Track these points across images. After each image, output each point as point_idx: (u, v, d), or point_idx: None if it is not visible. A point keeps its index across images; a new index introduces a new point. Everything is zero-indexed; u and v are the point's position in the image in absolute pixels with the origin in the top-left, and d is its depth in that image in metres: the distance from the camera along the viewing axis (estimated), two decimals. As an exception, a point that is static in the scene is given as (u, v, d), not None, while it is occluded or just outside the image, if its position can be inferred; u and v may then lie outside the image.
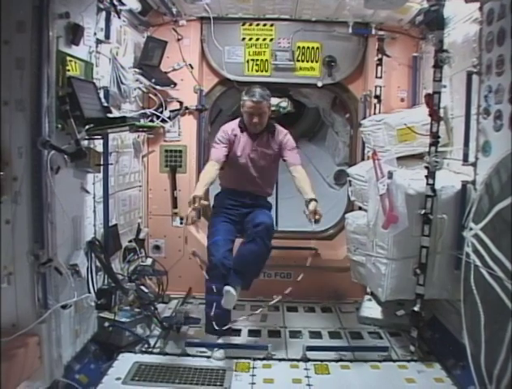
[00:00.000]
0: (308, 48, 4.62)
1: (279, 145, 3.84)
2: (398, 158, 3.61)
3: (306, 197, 3.51)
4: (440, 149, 3.40)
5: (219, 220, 3.80)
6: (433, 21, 3.38)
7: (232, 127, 3.85)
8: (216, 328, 3.48)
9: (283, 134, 3.87)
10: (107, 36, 3.50)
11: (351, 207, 4.75)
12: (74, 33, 2.98)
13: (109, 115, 3.31)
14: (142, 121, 4.08)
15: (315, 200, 3.46)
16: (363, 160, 4.52)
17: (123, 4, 3.70)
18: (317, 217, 3.39)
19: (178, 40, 4.51)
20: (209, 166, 3.70)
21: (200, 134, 4.72)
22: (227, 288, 3.39)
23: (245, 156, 3.80)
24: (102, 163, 3.32)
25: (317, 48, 4.62)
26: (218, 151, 3.74)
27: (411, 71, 4.51)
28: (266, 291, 4.48)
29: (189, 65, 4.53)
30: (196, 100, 4.63)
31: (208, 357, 3.45)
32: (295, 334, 3.95)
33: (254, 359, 3.42)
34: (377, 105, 4.46)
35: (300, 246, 4.72)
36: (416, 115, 3.85)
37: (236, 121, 3.90)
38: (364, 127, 4.20)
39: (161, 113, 4.40)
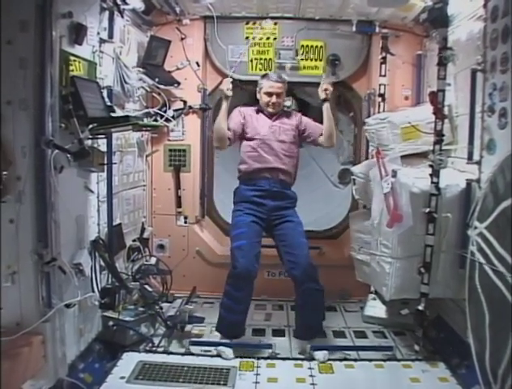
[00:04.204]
0: (312, 46, 4.62)
1: (297, 123, 3.92)
2: (403, 157, 3.60)
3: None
4: (444, 147, 3.38)
5: (244, 221, 3.70)
6: (437, 19, 3.37)
7: (246, 109, 3.94)
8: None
9: (299, 115, 4.02)
10: (110, 36, 3.51)
11: (355, 205, 4.74)
12: (78, 33, 2.98)
13: (113, 114, 3.31)
14: (145, 121, 4.09)
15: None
16: (367, 158, 4.51)
17: (126, 3, 3.70)
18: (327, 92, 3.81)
19: (182, 39, 4.50)
20: None
21: (204, 133, 4.72)
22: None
23: (265, 129, 3.81)
24: (106, 162, 3.32)
25: (321, 46, 4.61)
26: (231, 123, 3.83)
27: (415, 69, 4.49)
28: (270, 290, 4.50)
29: (196, 63, 4.53)
30: (200, 99, 4.63)
31: (212, 356, 3.44)
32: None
33: (258, 358, 3.42)
34: (382, 104, 4.45)
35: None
36: (420, 113, 3.82)
37: (250, 107, 3.97)
38: (368, 126, 4.18)
39: (165, 112, 4.40)
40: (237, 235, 3.66)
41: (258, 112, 3.91)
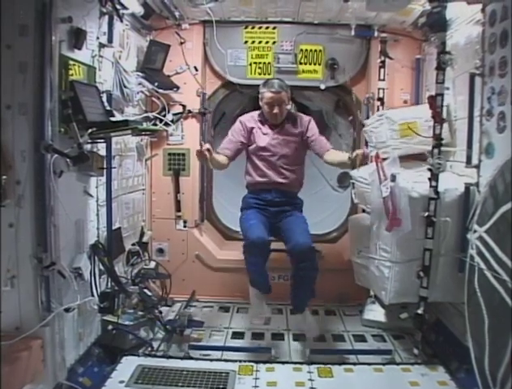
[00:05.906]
0: (310, 50, 4.62)
1: (303, 129, 3.85)
2: (401, 159, 3.59)
3: (347, 156, 3.39)
4: (443, 149, 3.37)
5: (251, 216, 3.73)
6: (436, 23, 3.36)
7: (248, 119, 3.89)
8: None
9: (306, 122, 3.90)
10: (110, 40, 3.50)
11: (354, 209, 4.74)
12: (77, 37, 2.98)
13: (112, 119, 3.31)
14: (144, 125, 4.08)
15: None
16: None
17: (126, 8, 3.71)
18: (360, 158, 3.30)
19: (181, 43, 4.52)
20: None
21: (203, 138, 4.72)
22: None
23: (266, 144, 3.79)
24: (105, 166, 3.32)
25: (320, 50, 4.62)
26: (227, 144, 3.83)
27: (414, 73, 4.50)
28: (269, 294, 4.47)
29: (194, 67, 4.54)
30: (199, 103, 4.64)
31: (212, 360, 3.43)
32: (298, 337, 3.90)
33: (258, 362, 3.41)
34: (380, 108, 4.45)
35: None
36: (419, 111, 3.85)
37: (254, 113, 3.94)
38: (366, 125, 4.19)
39: (164, 116, 4.41)
40: (247, 222, 3.68)
41: (261, 122, 3.86)
